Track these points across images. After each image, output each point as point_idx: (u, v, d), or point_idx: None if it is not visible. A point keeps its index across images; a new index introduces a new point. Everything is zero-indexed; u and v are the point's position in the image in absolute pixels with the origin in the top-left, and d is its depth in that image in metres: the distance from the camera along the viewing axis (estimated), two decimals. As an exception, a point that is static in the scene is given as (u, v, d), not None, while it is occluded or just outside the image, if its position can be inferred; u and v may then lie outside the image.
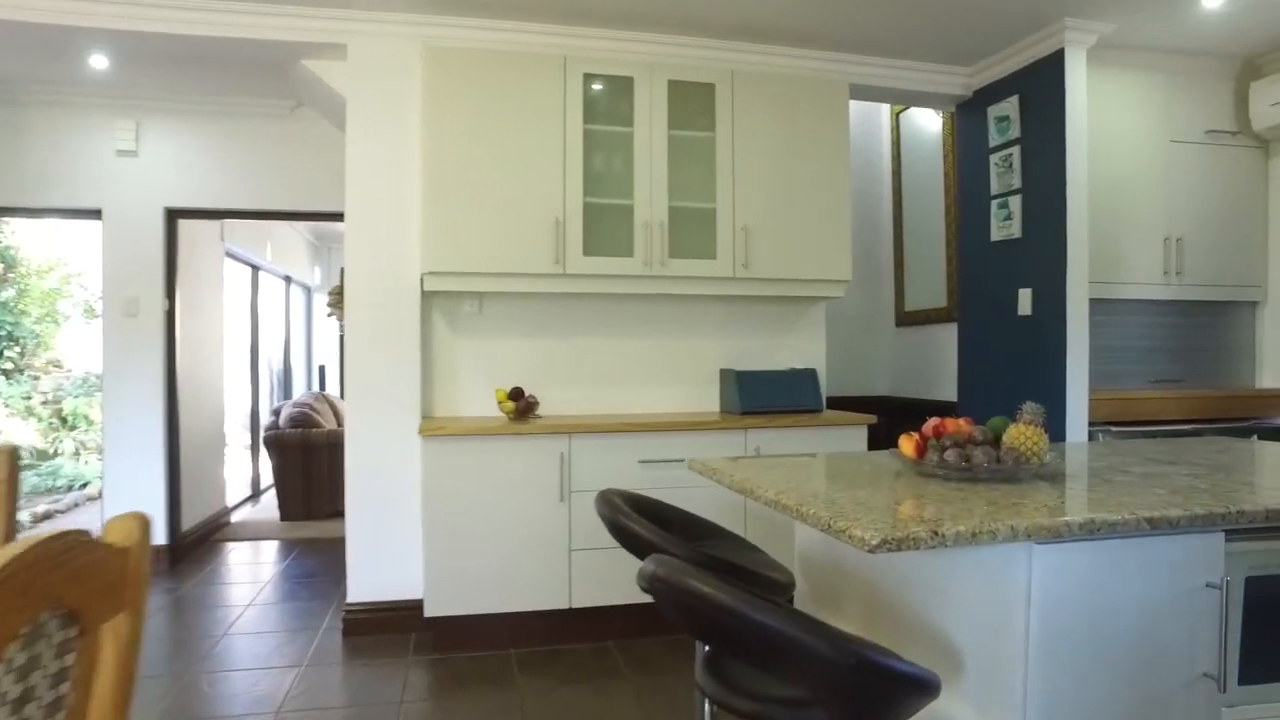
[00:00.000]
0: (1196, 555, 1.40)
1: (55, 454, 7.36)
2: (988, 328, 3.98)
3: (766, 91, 3.63)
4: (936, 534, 1.22)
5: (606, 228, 3.50)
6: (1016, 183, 3.74)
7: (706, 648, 1.48)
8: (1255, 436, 3.68)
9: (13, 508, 1.43)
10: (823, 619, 1.88)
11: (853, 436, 3.58)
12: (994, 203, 3.88)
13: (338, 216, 3.86)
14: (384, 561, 3.44)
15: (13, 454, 1.46)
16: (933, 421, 1.80)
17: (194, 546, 4.92)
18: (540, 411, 3.64)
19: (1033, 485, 1.63)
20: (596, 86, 3.53)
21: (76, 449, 7.45)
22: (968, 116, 4.10)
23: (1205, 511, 1.36)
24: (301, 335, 9.39)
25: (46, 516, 6.13)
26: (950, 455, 1.68)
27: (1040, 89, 3.62)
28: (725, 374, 3.82)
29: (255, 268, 7.20)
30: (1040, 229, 3.63)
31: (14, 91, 4.24)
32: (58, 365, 8.04)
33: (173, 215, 4.56)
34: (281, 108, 4.58)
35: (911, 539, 1.20)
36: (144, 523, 0.82)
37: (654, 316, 3.87)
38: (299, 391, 8.84)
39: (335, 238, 8.57)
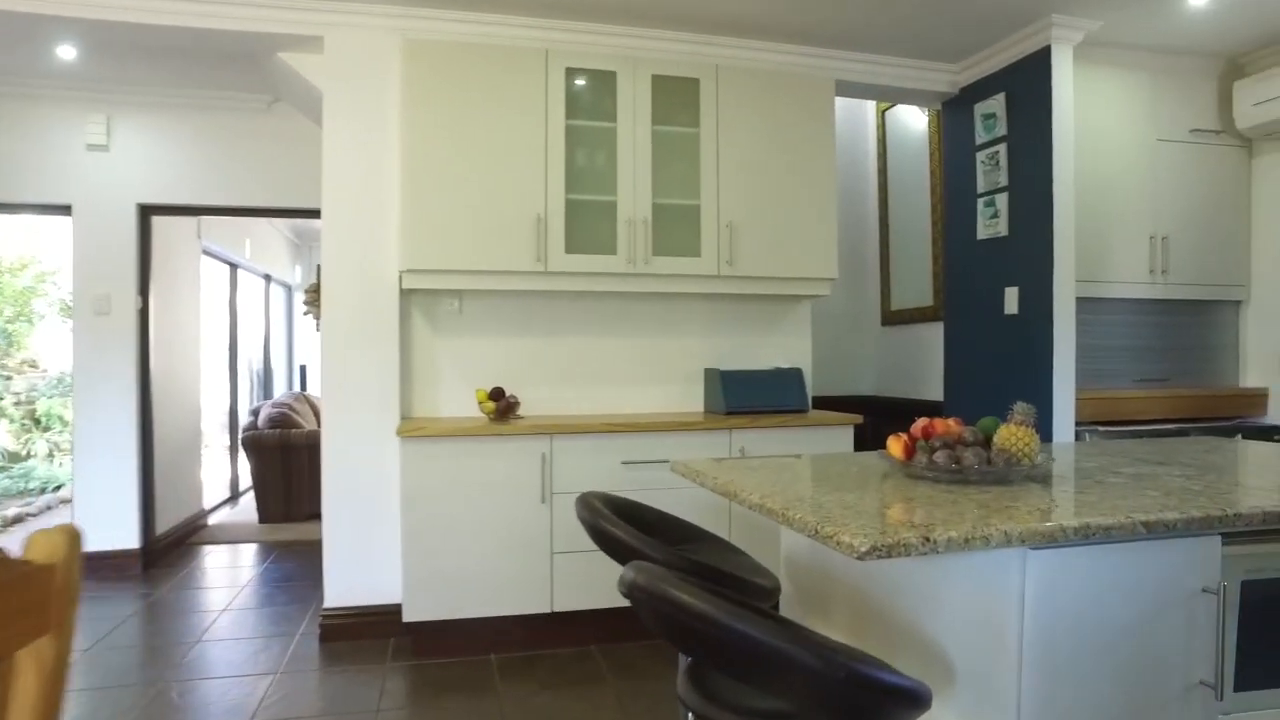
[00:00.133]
0: (1193, 559, 1.36)
1: (28, 456, 7.21)
2: (974, 327, 3.95)
3: (751, 87, 3.59)
4: (928, 540, 1.17)
5: (589, 225, 3.44)
6: (1003, 180, 3.71)
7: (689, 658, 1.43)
8: (1240, 435, 3.68)
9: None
10: (809, 625, 1.83)
11: (838, 437, 3.54)
12: (980, 201, 3.85)
13: (317, 214, 3.77)
14: (362, 565, 3.36)
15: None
16: (921, 422, 1.75)
17: (169, 550, 4.81)
18: (521, 412, 3.58)
19: (1024, 487, 1.59)
20: (579, 81, 3.47)
21: (50, 451, 7.30)
22: (954, 114, 4.07)
23: (1202, 514, 1.32)
24: (282, 335, 9.26)
25: (17, 520, 5.99)
26: (940, 457, 1.63)
27: (1027, 86, 3.59)
28: (709, 373, 3.77)
29: (234, 266, 7.08)
30: (1027, 227, 3.61)
31: (-21, 83, 4.13)
32: (33, 365, 7.88)
33: (146, 211, 4.46)
34: (258, 102, 4.49)
35: (902, 545, 1.15)
36: (72, 537, 0.75)
37: (637, 315, 3.82)
38: (280, 391, 8.72)
39: (316, 236, 8.45)
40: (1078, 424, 3.55)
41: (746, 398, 3.60)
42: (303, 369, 9.38)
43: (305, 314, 7.63)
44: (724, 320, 3.93)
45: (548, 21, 3.44)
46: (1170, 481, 1.65)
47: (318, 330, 4.29)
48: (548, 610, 3.21)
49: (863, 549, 1.14)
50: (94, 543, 4.31)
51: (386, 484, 3.36)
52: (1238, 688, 1.45)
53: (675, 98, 3.53)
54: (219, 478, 6.86)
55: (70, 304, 4.49)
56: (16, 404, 7.42)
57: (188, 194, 4.46)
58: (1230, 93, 3.88)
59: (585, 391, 3.75)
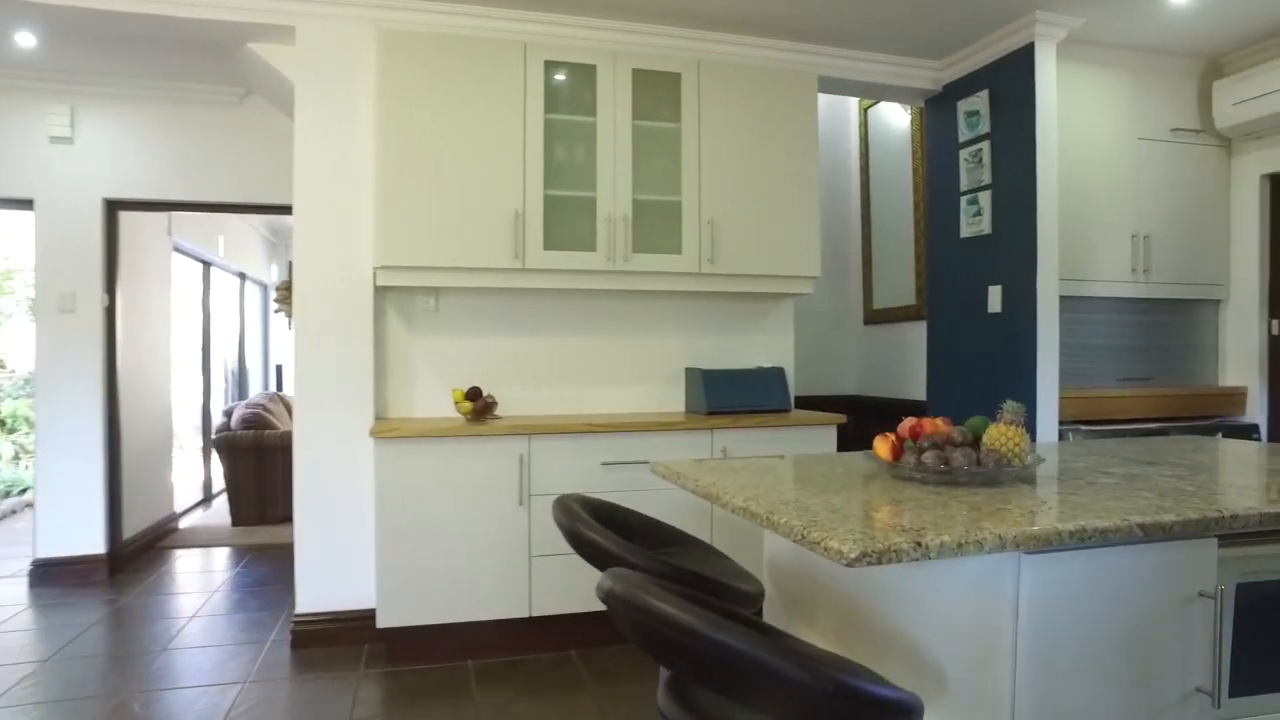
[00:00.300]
0: (1189, 563, 1.32)
1: (-7, 458, 7.02)
2: (957, 326, 3.92)
3: (734, 82, 3.53)
4: (919, 545, 1.12)
5: (568, 221, 3.37)
6: (986, 178, 3.69)
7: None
8: (1220, 434, 3.68)
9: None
10: (794, 631, 1.78)
11: (822, 437, 3.49)
12: (964, 199, 3.82)
13: (291, 210, 3.68)
14: (335, 570, 3.27)
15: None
16: (909, 421, 1.70)
17: (137, 554, 4.69)
18: (499, 412, 3.51)
19: (1015, 489, 1.54)
20: (558, 75, 3.41)
21: (16, 453, 7.12)
22: (937, 111, 4.04)
23: (1199, 516, 1.28)
24: (258, 334, 9.10)
25: (-19, 524, 5.82)
26: (928, 457, 1.58)
27: (1010, 83, 3.57)
28: (691, 373, 3.72)
29: (207, 264, 6.93)
30: (1010, 225, 3.58)
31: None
32: (0, 365, 7.69)
33: (112, 206, 4.33)
34: (230, 95, 4.38)
35: (893, 551, 1.10)
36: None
37: (617, 313, 3.76)
38: (255, 392, 8.57)
39: (292, 233, 8.31)
40: (1061, 424, 3.53)
41: (728, 397, 3.55)
42: (279, 369, 9.23)
43: (276, 311, 7.49)
44: (705, 319, 3.88)
45: (526, 13, 3.37)
46: (1162, 482, 1.61)
47: (290, 329, 4.19)
48: (526, 615, 3.14)
49: (852, 555, 1.08)
50: (57, 548, 4.18)
51: (360, 486, 3.28)
52: (1232, 693, 1.42)
53: (656, 92, 3.47)
54: (192, 480, 6.72)
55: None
56: (-19, 405, 7.23)
57: (156, 189, 4.34)
58: (1210, 92, 3.88)
59: (564, 391, 3.68)
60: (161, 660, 3.14)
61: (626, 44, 3.48)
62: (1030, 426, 3.43)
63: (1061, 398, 3.51)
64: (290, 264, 4.11)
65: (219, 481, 6.45)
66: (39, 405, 4.22)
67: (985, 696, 1.29)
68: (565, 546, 1.93)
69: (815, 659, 1.06)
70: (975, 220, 3.75)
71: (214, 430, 6.14)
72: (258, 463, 5.72)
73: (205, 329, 7.04)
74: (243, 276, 8.18)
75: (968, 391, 3.84)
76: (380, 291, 3.39)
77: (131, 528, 4.63)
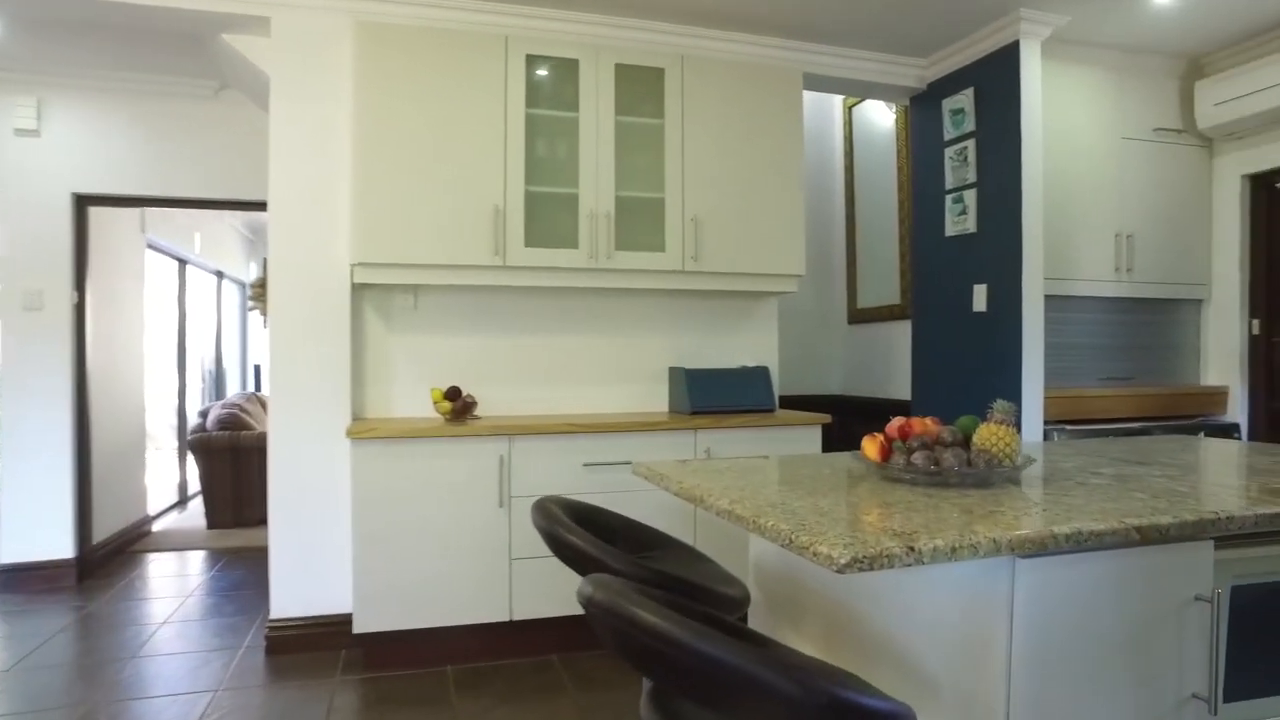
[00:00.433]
0: (1186, 566, 1.29)
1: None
2: (942, 325, 3.90)
3: (718, 78, 3.49)
4: (912, 549, 1.08)
5: (550, 218, 3.32)
6: (971, 176, 3.67)
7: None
8: (1202, 434, 3.69)
9: None
10: (780, 636, 1.73)
11: (806, 437, 3.46)
12: (949, 197, 3.80)
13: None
14: (310, 574, 3.20)
15: None
16: (897, 421, 1.66)
17: (108, 559, 4.57)
18: (479, 412, 3.45)
19: (1006, 490, 1.51)
20: (540, 69, 3.35)
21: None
22: (922, 109, 4.02)
23: (1196, 518, 1.25)
24: (236, 333, 8.96)
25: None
26: (918, 458, 1.54)
27: (995, 81, 3.55)
28: (674, 372, 3.67)
29: (182, 261, 6.80)
30: (995, 223, 3.56)
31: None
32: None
33: (82, 202, 4.22)
34: (205, 88, 4.28)
35: (885, 556, 1.05)
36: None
37: (599, 311, 3.70)
38: (233, 392, 8.43)
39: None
40: (1046, 423, 3.52)
41: (712, 397, 3.51)
42: (257, 369, 9.09)
43: (251, 309, 7.36)
44: (689, 317, 3.83)
45: (507, 6, 3.31)
46: (1154, 483, 1.58)
47: (265, 327, 4.10)
48: (506, 619, 3.08)
49: (843, 561, 1.04)
50: (22, 553, 4.07)
51: (336, 488, 3.20)
52: (1226, 699, 1.39)
53: (640, 87, 3.43)
54: (167, 482, 6.59)
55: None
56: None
57: (128, 184, 4.23)
58: (1192, 93, 3.88)
59: (545, 391, 3.62)
60: (130, 668, 3.05)
61: (610, 38, 3.43)
62: (1016, 426, 3.42)
63: (1045, 397, 3.50)
64: (264, 260, 4.02)
65: (195, 483, 6.33)
66: (4, 405, 4.10)
67: (978, 704, 1.25)
68: (546, 549, 1.88)
69: (805, 670, 1.01)
70: (960, 219, 3.73)
71: (189, 431, 6.02)
72: (234, 464, 5.62)
73: (181, 328, 6.91)
74: (220, 275, 8.04)
75: (952, 391, 3.82)
76: (358, 289, 3.32)
77: (102, 531, 4.52)
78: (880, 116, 4.53)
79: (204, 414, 6.05)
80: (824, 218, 4.92)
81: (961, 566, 1.26)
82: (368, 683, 2.92)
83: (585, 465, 3.15)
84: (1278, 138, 3.68)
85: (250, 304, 7.01)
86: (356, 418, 3.32)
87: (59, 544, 4.14)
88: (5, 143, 4.04)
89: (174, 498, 6.49)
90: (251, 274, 8.95)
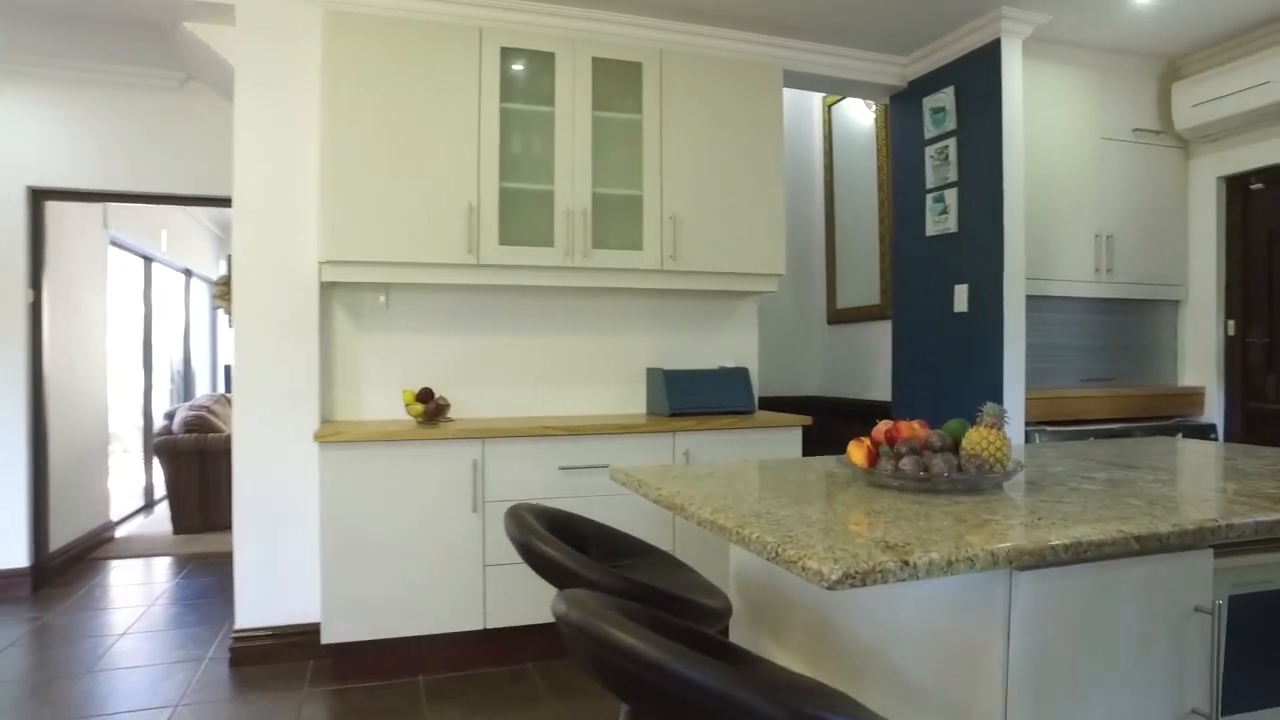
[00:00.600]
0: (1185, 575, 1.24)
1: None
2: (922, 325, 3.87)
3: (697, 73, 3.43)
4: (907, 564, 1.01)
5: (524, 215, 3.23)
6: (952, 176, 3.64)
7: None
8: (1180, 434, 3.68)
9: None
10: (762, 649, 1.67)
11: (787, 439, 3.40)
12: (929, 196, 3.77)
13: (230, 201, 3.48)
14: (277, 582, 3.09)
15: None
16: (884, 425, 1.61)
17: (66, 567, 4.42)
18: (452, 414, 3.36)
19: (998, 496, 1.45)
20: (515, 63, 3.27)
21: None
22: (903, 108, 3.99)
23: (1195, 526, 1.20)
24: (205, 333, 8.76)
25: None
26: (906, 464, 1.48)
27: (977, 80, 3.52)
28: (652, 373, 3.60)
29: (148, 259, 6.62)
30: (977, 223, 3.53)
31: None
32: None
33: (38, 195, 4.07)
34: (170, 80, 4.15)
35: (879, 571, 0.99)
36: None
37: (576, 311, 3.63)
38: (203, 393, 8.24)
39: (239, 228, 7.98)
40: (1027, 425, 3.50)
41: (691, 398, 3.44)
42: (227, 369, 8.89)
43: (215, 308, 7.18)
44: (667, 317, 3.77)
45: (481, -3, 3.22)
46: (1147, 488, 1.54)
47: (230, 326, 3.99)
48: (480, 627, 2.99)
49: (834, 577, 0.97)
50: (-28, 562, 3.91)
51: (304, 493, 3.10)
52: (1224, 711, 1.34)
53: (617, 82, 3.35)
54: (132, 485, 6.41)
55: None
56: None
57: (87, 178, 4.08)
58: (1169, 94, 3.88)
59: (520, 392, 3.54)
60: (86, 683, 2.92)
61: (587, 31, 3.35)
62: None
63: (1026, 398, 3.47)
64: (229, 257, 3.90)
65: (161, 487, 6.16)
66: (-44, 408, 3.94)
67: (972, 723, 1.19)
68: (519, 559, 1.80)
69: (790, 690, 0.94)
70: (941, 218, 3.70)
71: (155, 433, 5.86)
72: (200, 467, 5.46)
73: (147, 328, 6.72)
74: (188, 273, 7.85)
75: (933, 392, 3.79)
76: (326, 288, 3.22)
77: (60, 538, 4.37)
78: (860, 115, 4.50)
79: (170, 416, 5.88)
80: (803, 217, 4.88)
81: (955, 578, 1.21)
82: (336, 695, 2.83)
83: (561, 469, 3.07)
84: (1253, 139, 3.69)
85: (215, 303, 6.83)
86: (325, 420, 3.22)
87: (12, 552, 3.98)
88: (-45, 134, 3.88)
89: (139, 502, 6.31)
90: (221, 272, 8.75)
